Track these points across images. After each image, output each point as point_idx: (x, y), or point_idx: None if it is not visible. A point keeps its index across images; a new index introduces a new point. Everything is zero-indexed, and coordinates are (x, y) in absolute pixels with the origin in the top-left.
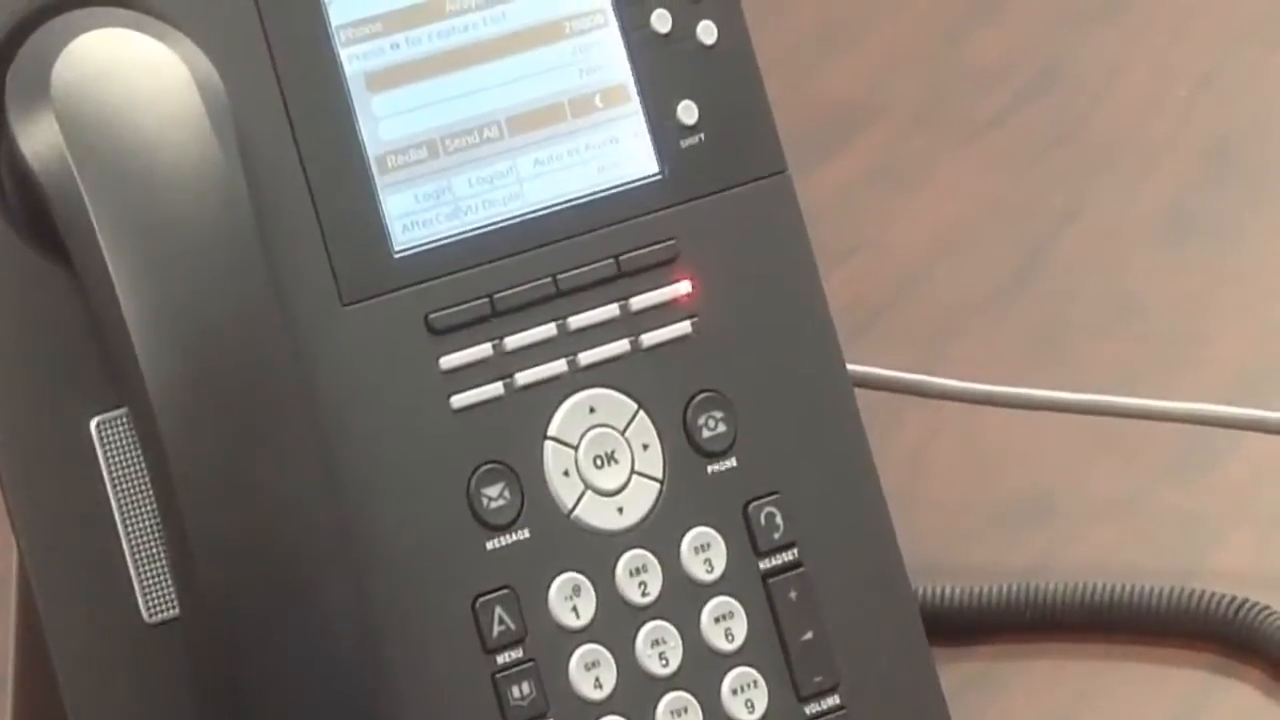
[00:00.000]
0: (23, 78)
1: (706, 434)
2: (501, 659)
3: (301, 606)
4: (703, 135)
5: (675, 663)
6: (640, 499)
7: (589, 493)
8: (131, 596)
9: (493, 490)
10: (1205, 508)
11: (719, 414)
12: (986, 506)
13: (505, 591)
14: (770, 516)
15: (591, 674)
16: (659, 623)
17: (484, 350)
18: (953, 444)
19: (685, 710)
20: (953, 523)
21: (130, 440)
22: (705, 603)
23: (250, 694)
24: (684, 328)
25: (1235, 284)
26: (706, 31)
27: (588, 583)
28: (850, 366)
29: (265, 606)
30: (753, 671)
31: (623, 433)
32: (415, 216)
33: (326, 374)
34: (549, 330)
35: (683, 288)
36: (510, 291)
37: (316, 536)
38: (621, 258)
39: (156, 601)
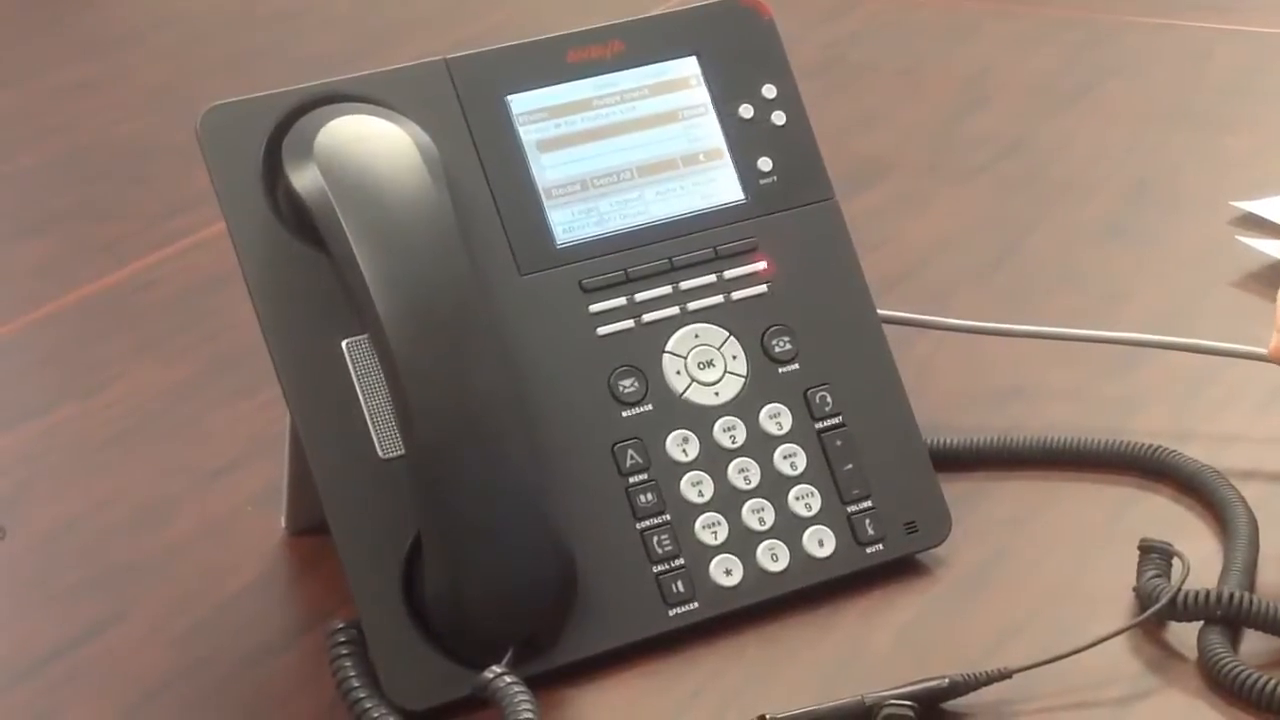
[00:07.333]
0: (296, 143)
1: (778, 350)
2: (632, 479)
3: (483, 451)
4: (776, 178)
5: (755, 482)
6: (730, 387)
7: (694, 384)
8: (369, 440)
9: (626, 382)
10: (1125, 394)
11: (786, 338)
12: (974, 394)
13: (635, 440)
14: (823, 398)
15: (696, 488)
16: (744, 459)
17: (620, 301)
18: (950, 359)
19: (763, 509)
20: (952, 403)
21: (369, 354)
22: (777, 447)
23: (451, 506)
24: (761, 289)
25: (1145, 265)
26: (778, 117)
27: (693, 435)
28: (879, 311)
29: (460, 450)
30: (810, 487)
31: (718, 349)
32: (571, 224)
33: (512, 316)
34: (666, 289)
35: (761, 264)
36: (638, 266)
37: (494, 407)
38: (718, 247)
39: (386, 444)
